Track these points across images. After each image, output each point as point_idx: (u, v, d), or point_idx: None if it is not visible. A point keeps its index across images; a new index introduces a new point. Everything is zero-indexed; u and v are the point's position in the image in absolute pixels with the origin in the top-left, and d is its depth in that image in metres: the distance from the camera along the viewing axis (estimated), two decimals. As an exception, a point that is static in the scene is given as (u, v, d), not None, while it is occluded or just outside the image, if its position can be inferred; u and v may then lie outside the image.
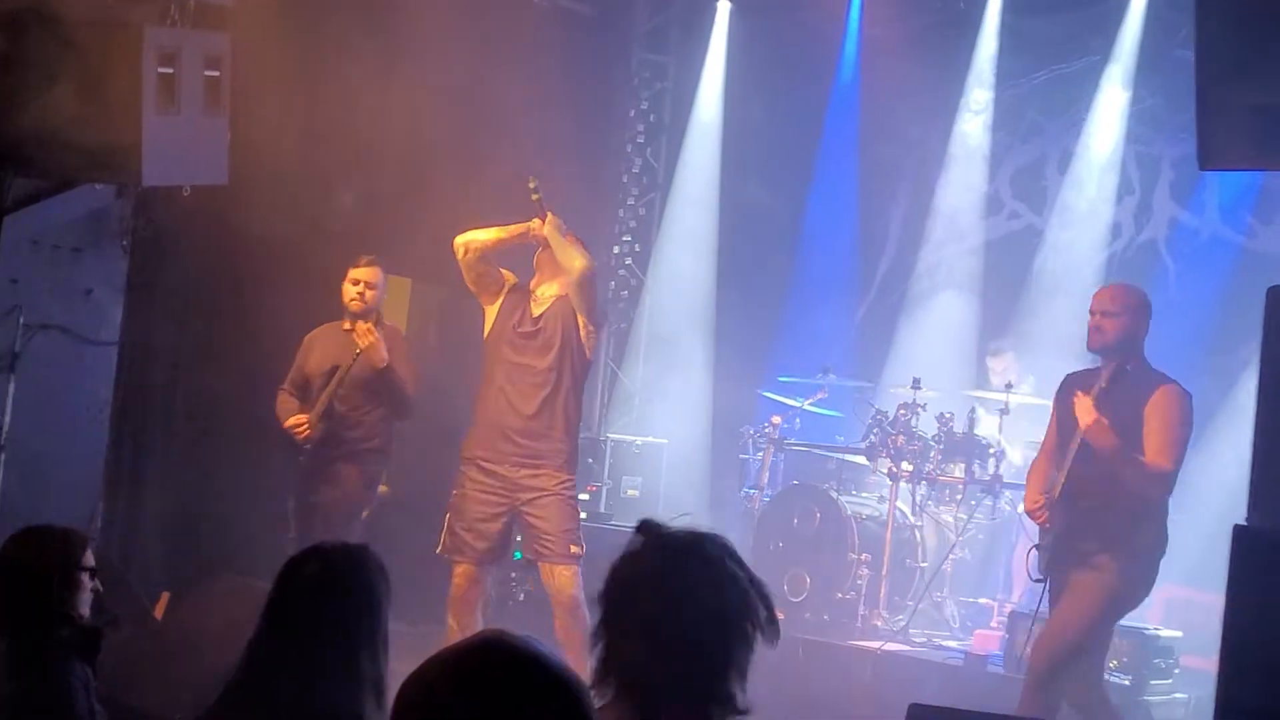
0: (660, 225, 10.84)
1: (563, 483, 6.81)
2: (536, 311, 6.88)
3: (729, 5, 10.70)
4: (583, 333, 6.86)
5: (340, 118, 8.39)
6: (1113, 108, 9.68)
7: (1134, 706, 7.09)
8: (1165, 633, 7.45)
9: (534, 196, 6.77)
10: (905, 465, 8.38)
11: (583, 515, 7.46)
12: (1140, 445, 5.91)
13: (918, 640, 8.14)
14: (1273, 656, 3.55)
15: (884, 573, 8.31)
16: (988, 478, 8.23)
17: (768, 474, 9.07)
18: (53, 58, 5.42)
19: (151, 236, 7.85)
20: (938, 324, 10.14)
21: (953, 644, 8.14)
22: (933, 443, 8.34)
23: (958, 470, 8.37)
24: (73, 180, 6.34)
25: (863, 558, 8.34)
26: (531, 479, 6.79)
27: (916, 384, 8.53)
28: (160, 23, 5.78)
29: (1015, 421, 8.51)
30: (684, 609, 2.56)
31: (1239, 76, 3.99)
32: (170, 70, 5.55)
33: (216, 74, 5.85)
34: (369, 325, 7.14)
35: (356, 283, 7.28)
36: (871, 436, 8.51)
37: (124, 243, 7.55)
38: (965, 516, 8.49)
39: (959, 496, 8.50)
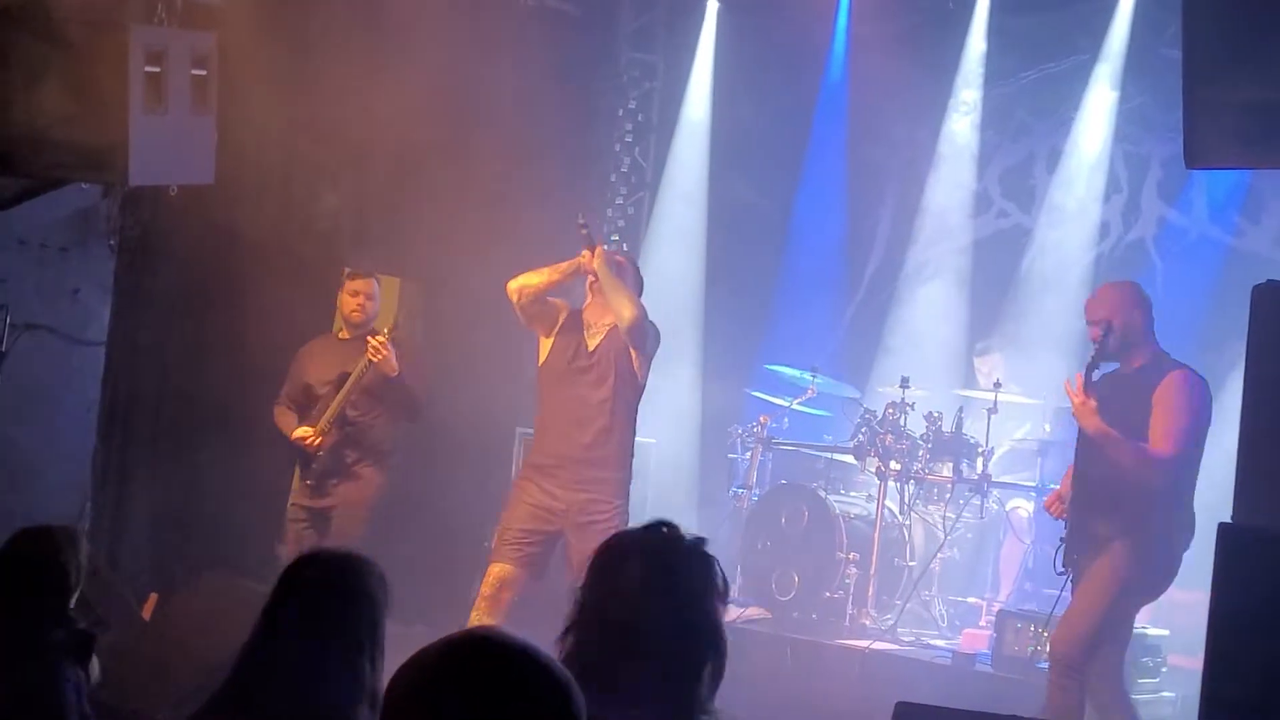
0: (649, 224, 10.80)
1: (614, 511, 6.78)
2: (591, 344, 6.87)
3: (717, 4, 10.67)
4: (635, 362, 6.89)
5: (327, 117, 8.37)
6: (1101, 107, 9.69)
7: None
8: (1153, 631, 7.45)
9: (582, 231, 6.83)
10: (893, 464, 8.38)
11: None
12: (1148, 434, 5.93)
13: (906, 639, 8.15)
14: (1257, 651, 3.56)
15: (872, 572, 8.31)
16: (976, 477, 8.24)
17: (756, 473, 9.08)
18: (39, 57, 5.39)
19: (139, 236, 7.84)
20: (926, 323, 10.14)
21: (941, 643, 8.15)
22: (921, 442, 8.34)
23: (946, 469, 8.37)
24: (59, 179, 6.31)
25: (851, 557, 8.34)
26: (585, 506, 6.76)
27: (905, 383, 8.53)
28: (147, 22, 5.77)
29: (1003, 421, 8.50)
30: (663, 615, 2.56)
31: (1226, 75, 4.00)
32: (157, 69, 5.53)
33: (204, 73, 5.83)
34: (383, 339, 7.15)
35: (356, 294, 7.44)
36: (860, 435, 8.51)
37: (111, 242, 7.55)
38: (953, 516, 8.49)
39: (947, 495, 8.49)
